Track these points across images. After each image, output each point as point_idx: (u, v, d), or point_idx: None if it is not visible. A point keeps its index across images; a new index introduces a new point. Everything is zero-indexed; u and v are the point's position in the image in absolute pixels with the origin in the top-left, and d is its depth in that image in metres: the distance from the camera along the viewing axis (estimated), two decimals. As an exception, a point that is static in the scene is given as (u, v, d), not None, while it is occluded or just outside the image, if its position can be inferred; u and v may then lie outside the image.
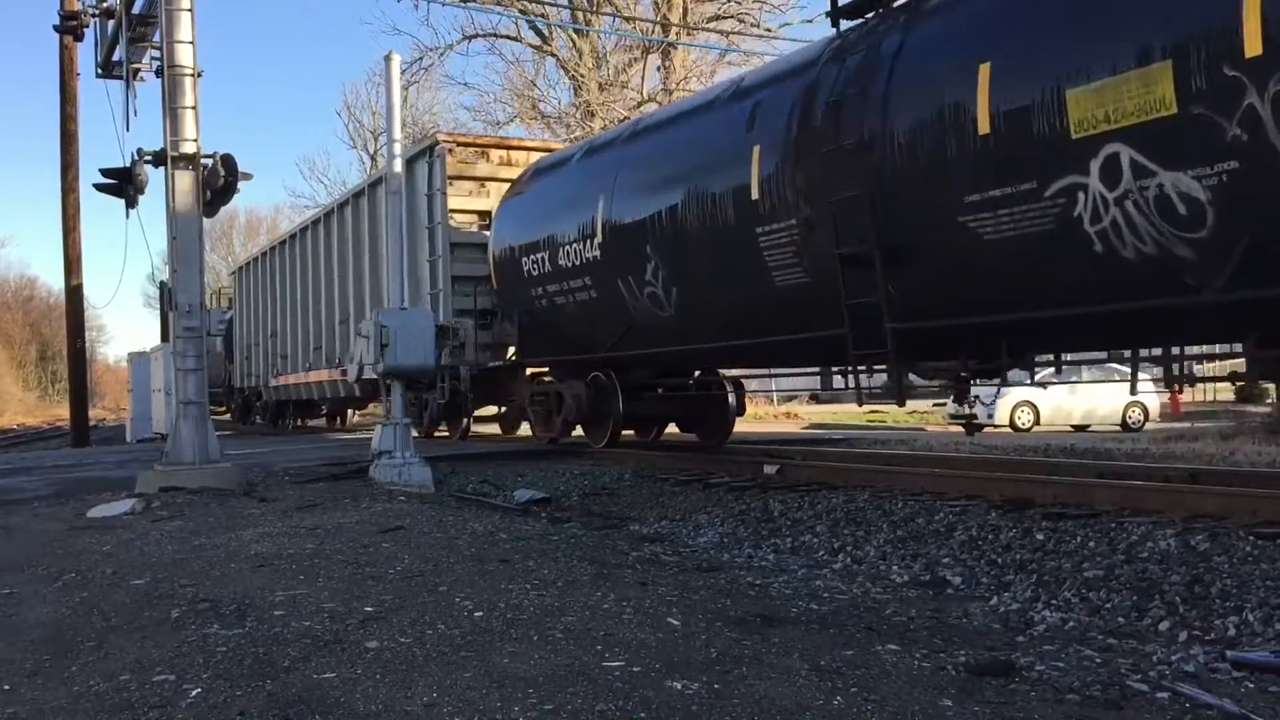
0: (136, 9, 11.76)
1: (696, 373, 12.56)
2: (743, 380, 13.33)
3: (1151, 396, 22.71)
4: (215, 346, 28.19)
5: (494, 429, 17.46)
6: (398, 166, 11.06)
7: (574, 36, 29.68)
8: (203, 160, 10.22)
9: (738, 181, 8.55)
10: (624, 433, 12.87)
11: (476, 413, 16.18)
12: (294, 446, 16.16)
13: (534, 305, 12.17)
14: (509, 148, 15.04)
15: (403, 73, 25.84)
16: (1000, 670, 3.58)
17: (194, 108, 10.22)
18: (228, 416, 32.05)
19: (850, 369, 8.56)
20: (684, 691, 3.33)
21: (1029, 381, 10.12)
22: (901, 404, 7.94)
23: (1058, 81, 6.07)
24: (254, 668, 3.71)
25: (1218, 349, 7.50)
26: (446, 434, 16.37)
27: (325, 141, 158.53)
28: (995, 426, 21.32)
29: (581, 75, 28.85)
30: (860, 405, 8.15)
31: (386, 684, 3.47)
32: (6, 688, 3.67)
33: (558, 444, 12.80)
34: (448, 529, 6.99)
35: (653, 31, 28.87)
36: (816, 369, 9.79)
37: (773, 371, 10.87)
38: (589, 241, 10.77)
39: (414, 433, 16.72)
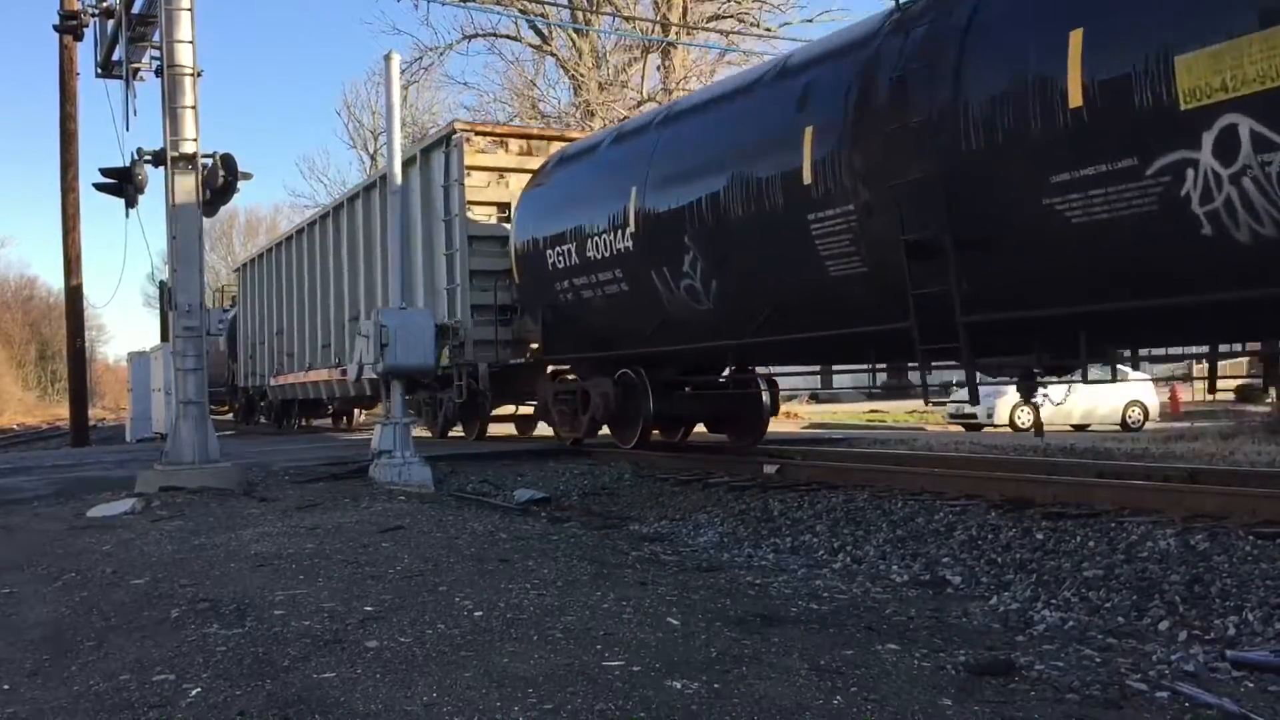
0: (136, 8, 11.76)
1: (727, 370, 11.92)
2: (776, 379, 12.62)
3: (1151, 396, 22.72)
4: (218, 345, 27.86)
5: (508, 429, 17.03)
6: (397, 166, 11.06)
7: (574, 36, 29.67)
8: (202, 160, 10.23)
9: (787, 166, 8.08)
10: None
11: (493, 412, 15.66)
12: (294, 446, 16.15)
13: (558, 300, 11.73)
14: (529, 137, 14.62)
15: (402, 72, 25.80)
16: (1000, 670, 3.58)
17: (194, 107, 10.22)
18: (230, 416, 31.91)
19: (912, 365, 8.10)
20: (684, 691, 3.33)
21: (1080, 379, 9.95)
22: (975, 402, 7.42)
23: (1165, 47, 5.52)
24: (254, 667, 3.71)
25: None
26: (462, 434, 15.88)
27: (325, 141, 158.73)
28: (995, 426, 21.33)
29: (581, 75, 28.84)
30: (926, 404, 7.70)
31: (386, 684, 3.47)
32: (6, 687, 3.67)
33: (583, 444, 12.42)
34: (447, 529, 6.99)
35: (652, 31, 28.86)
36: (866, 366, 9.10)
37: (819, 369, 10.42)
38: (620, 232, 10.33)
39: (427, 434, 16.61)
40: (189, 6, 10.26)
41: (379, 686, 3.44)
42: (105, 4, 12.81)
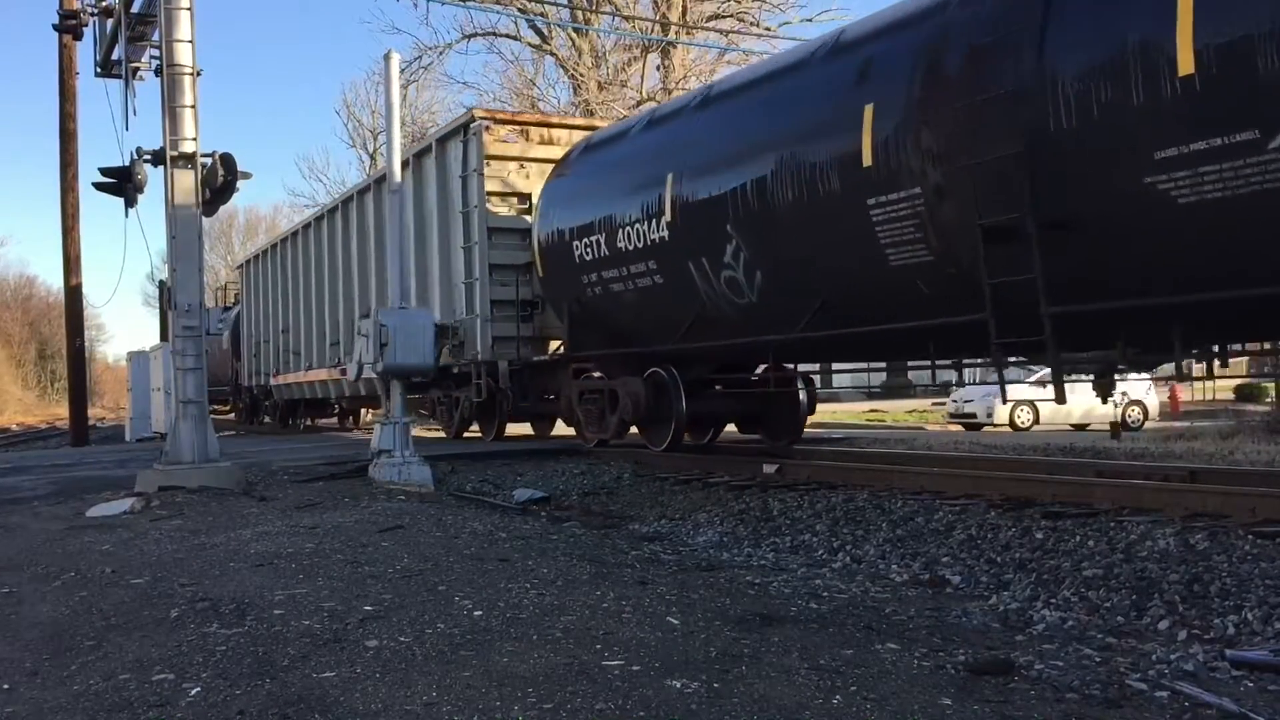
0: (136, 8, 11.75)
1: (760, 367, 11.35)
2: (812, 375, 12.04)
3: (1151, 395, 22.72)
4: (221, 343, 27.58)
5: (524, 429, 16.51)
6: (397, 165, 11.04)
7: (573, 35, 29.68)
8: (202, 159, 10.22)
9: (844, 147, 7.59)
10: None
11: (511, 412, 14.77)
12: (293, 446, 16.15)
13: (585, 294, 11.28)
14: (550, 125, 14.12)
15: (402, 72, 25.68)
16: (999, 669, 3.58)
17: (193, 107, 10.21)
18: (231, 416, 31.69)
19: (984, 361, 7.67)
20: (683, 690, 3.33)
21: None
22: (1062, 401, 6.97)
23: None
24: (253, 667, 3.71)
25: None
26: (479, 434, 15.29)
27: (325, 140, 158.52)
28: (995, 426, 21.33)
29: (581, 74, 28.85)
30: (1005, 401, 7.16)
31: (386, 683, 3.47)
32: (6, 687, 3.67)
33: (609, 445, 11.93)
34: (447, 528, 6.99)
35: (652, 30, 28.86)
36: (926, 362, 8.55)
37: (871, 366, 9.83)
38: (654, 222, 9.83)
39: (440, 434, 16.33)
40: (188, 6, 10.25)
41: (379, 686, 3.44)
42: (104, 3, 12.80)
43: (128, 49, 11.92)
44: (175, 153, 10.10)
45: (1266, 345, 7.31)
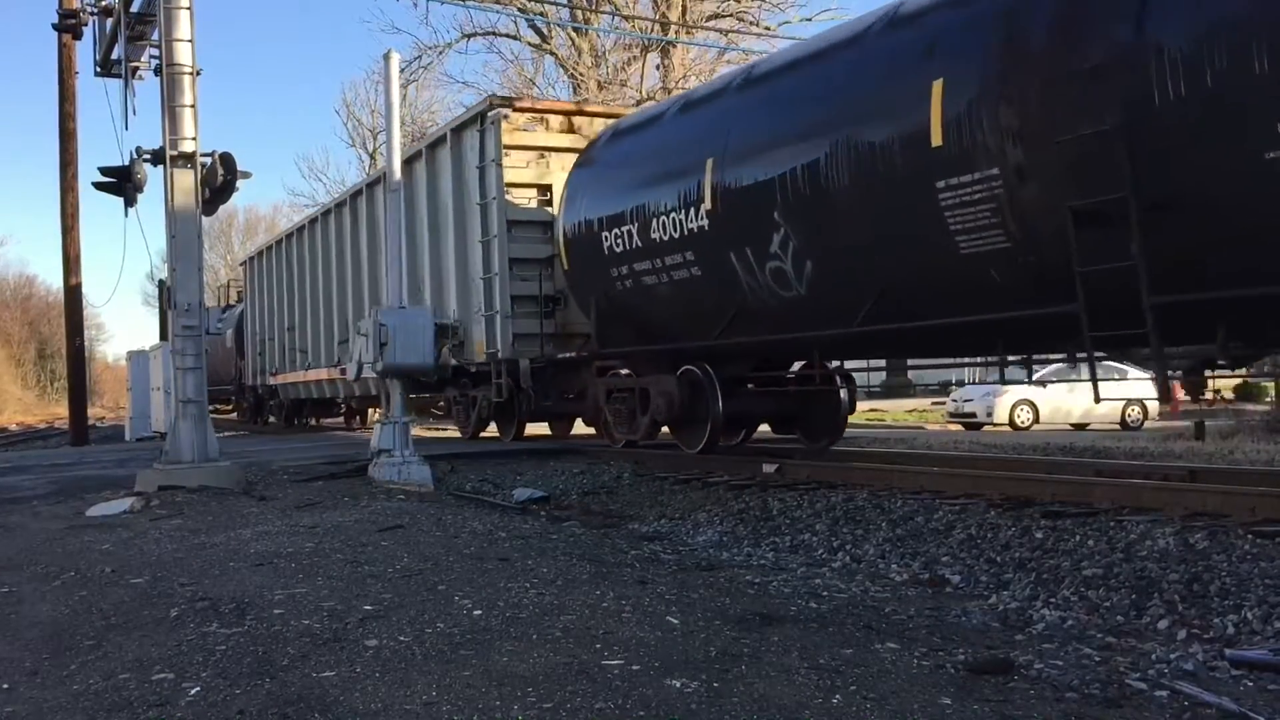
0: (135, 7, 11.75)
1: (796, 365, 10.77)
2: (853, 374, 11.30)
3: (1150, 394, 22.70)
4: (224, 342, 27.23)
5: (542, 429, 16.03)
6: (396, 165, 11.04)
7: (573, 35, 29.68)
8: (201, 159, 10.22)
9: (909, 126, 7.08)
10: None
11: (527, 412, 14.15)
12: (293, 445, 16.15)
13: (615, 288, 10.75)
14: (571, 113, 13.58)
15: (402, 71, 25.59)
16: (999, 668, 3.58)
17: (193, 106, 10.21)
18: (234, 415, 31.47)
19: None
20: (683, 690, 3.33)
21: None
22: (1166, 400, 6.57)
23: None
24: (253, 666, 3.71)
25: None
26: (496, 435, 14.72)
27: (324, 140, 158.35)
28: (995, 425, 21.34)
29: (580, 74, 28.85)
30: (1097, 401, 6.70)
31: (386, 682, 3.47)
32: (5, 686, 3.67)
33: (638, 446, 11.45)
34: (447, 528, 6.99)
35: (652, 30, 28.86)
36: (994, 358, 8.00)
37: (938, 362, 9.30)
38: (693, 210, 9.30)
39: (455, 433, 16.06)
40: (188, 5, 10.25)
41: (378, 685, 3.44)
42: (104, 3, 12.80)
43: (127, 48, 11.92)
44: (175, 152, 10.10)
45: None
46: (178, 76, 10.16)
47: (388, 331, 10.15)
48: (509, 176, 12.67)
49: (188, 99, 10.18)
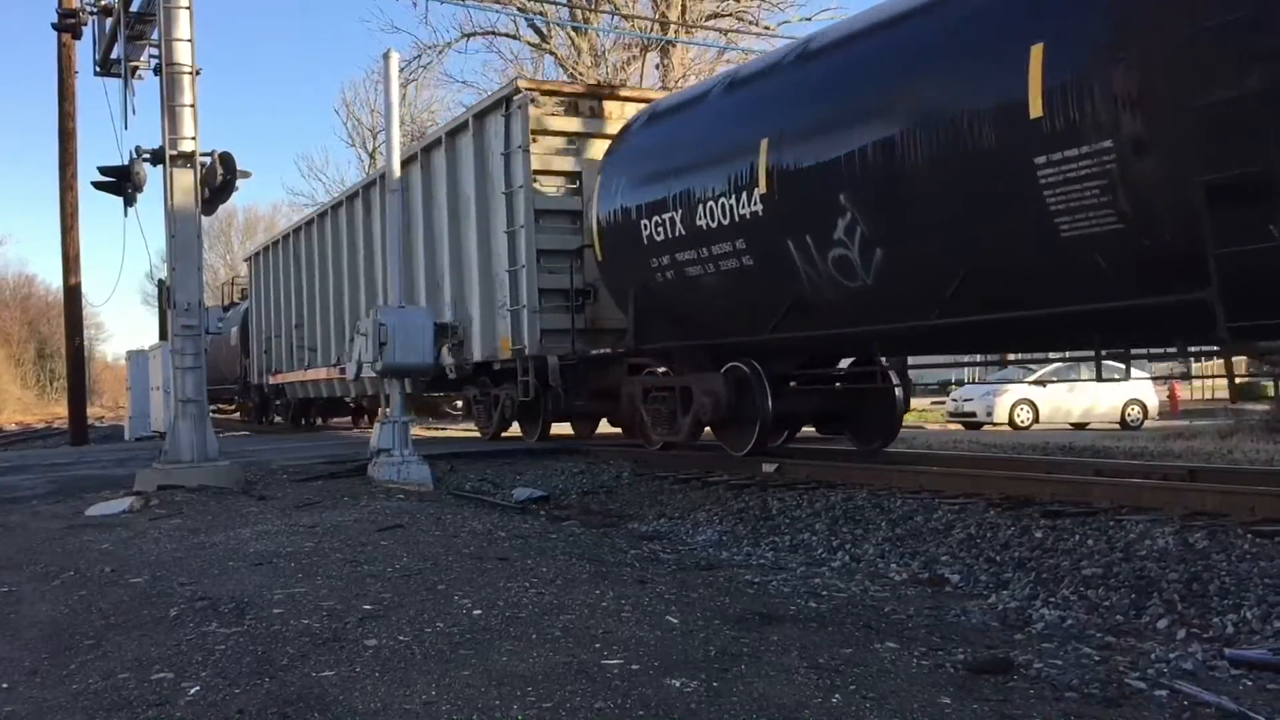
0: (135, 6, 11.75)
1: (844, 362, 10.26)
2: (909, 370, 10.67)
3: (1150, 394, 22.74)
4: (229, 340, 26.82)
5: (564, 429, 15.18)
6: (396, 165, 11.05)
7: (572, 34, 29.67)
8: (201, 158, 10.23)
9: (1003, 96, 6.47)
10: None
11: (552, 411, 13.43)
12: (294, 445, 16.15)
13: (654, 279, 10.14)
14: (603, 96, 12.95)
15: (401, 71, 25.52)
16: (998, 668, 3.58)
17: (192, 106, 10.22)
18: (237, 415, 31.23)
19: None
20: (682, 689, 3.33)
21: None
22: None
23: None
24: (252, 666, 3.71)
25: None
26: (519, 435, 14.07)
27: (324, 140, 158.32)
28: (994, 424, 21.35)
29: (580, 73, 28.82)
30: (1234, 402, 6.10)
31: (385, 682, 3.47)
32: (5, 686, 3.67)
33: (679, 448, 10.87)
34: (446, 527, 6.99)
35: (651, 29, 28.86)
36: (1091, 353, 7.32)
37: (1031, 356, 8.56)
38: (745, 195, 8.68)
39: (475, 433, 15.66)
40: (187, 5, 10.25)
41: (378, 685, 3.44)
42: (104, 2, 12.79)
43: (127, 48, 11.92)
44: (174, 152, 10.11)
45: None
46: (177, 76, 10.16)
47: (387, 331, 10.16)
48: (535, 163, 12.09)
49: (187, 98, 10.18)
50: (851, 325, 8.30)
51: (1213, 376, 30.22)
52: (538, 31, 30.81)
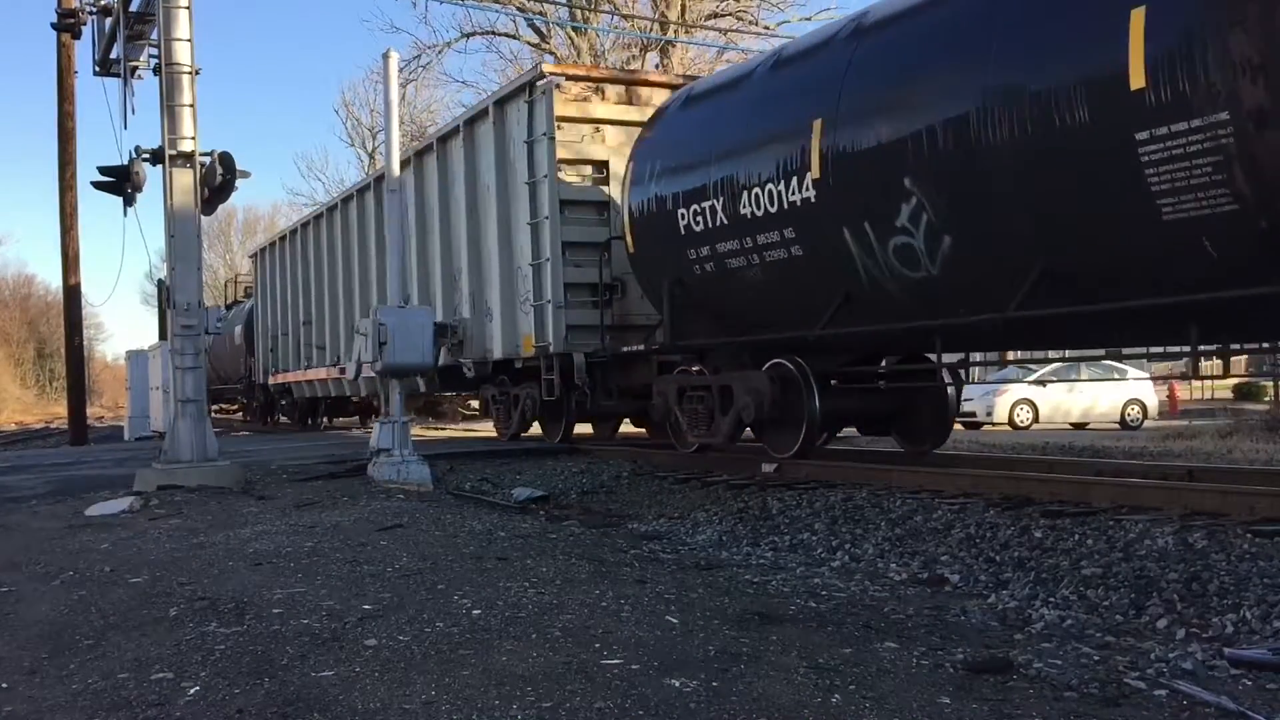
0: (134, 6, 11.76)
1: (885, 359, 9.84)
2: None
3: (1150, 394, 22.77)
4: (233, 338, 26.62)
5: (582, 429, 14.51)
6: (395, 165, 11.04)
7: (572, 34, 29.67)
8: (201, 158, 10.24)
9: (1097, 67, 5.94)
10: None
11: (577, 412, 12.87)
12: (294, 444, 16.14)
13: (691, 272, 9.66)
14: (632, 82, 12.42)
15: (401, 70, 25.45)
16: (998, 668, 3.59)
17: (192, 105, 10.22)
18: (239, 415, 31.03)
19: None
20: (682, 689, 3.33)
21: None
22: None
23: None
24: (252, 666, 3.71)
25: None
26: (540, 435, 13.52)
27: (323, 139, 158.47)
28: (994, 424, 21.35)
29: (580, 73, 28.81)
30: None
31: (385, 682, 3.47)
32: (4, 686, 3.67)
33: (714, 450, 10.45)
34: (446, 527, 6.99)
35: (651, 29, 28.86)
36: (1187, 348, 6.66)
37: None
38: (795, 180, 8.16)
39: (491, 433, 15.37)
40: (187, 4, 10.26)
41: (378, 685, 3.44)
42: (103, 2, 12.81)
43: (126, 48, 11.93)
44: (174, 151, 10.11)
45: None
46: (177, 76, 10.17)
47: (386, 331, 10.16)
48: (561, 152, 11.55)
49: (187, 98, 10.19)
50: (912, 319, 7.79)
51: (1213, 377, 30.30)
52: (537, 31, 30.82)
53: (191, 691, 3.45)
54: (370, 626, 4.19)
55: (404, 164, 15.23)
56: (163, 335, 20.77)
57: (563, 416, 12.77)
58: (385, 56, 10.79)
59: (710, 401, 10.09)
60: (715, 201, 9.09)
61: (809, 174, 8.04)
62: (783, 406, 9.30)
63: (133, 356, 27.00)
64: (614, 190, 11.51)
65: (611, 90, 12.13)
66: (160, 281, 13.15)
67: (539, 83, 11.64)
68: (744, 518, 7.68)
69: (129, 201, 10.85)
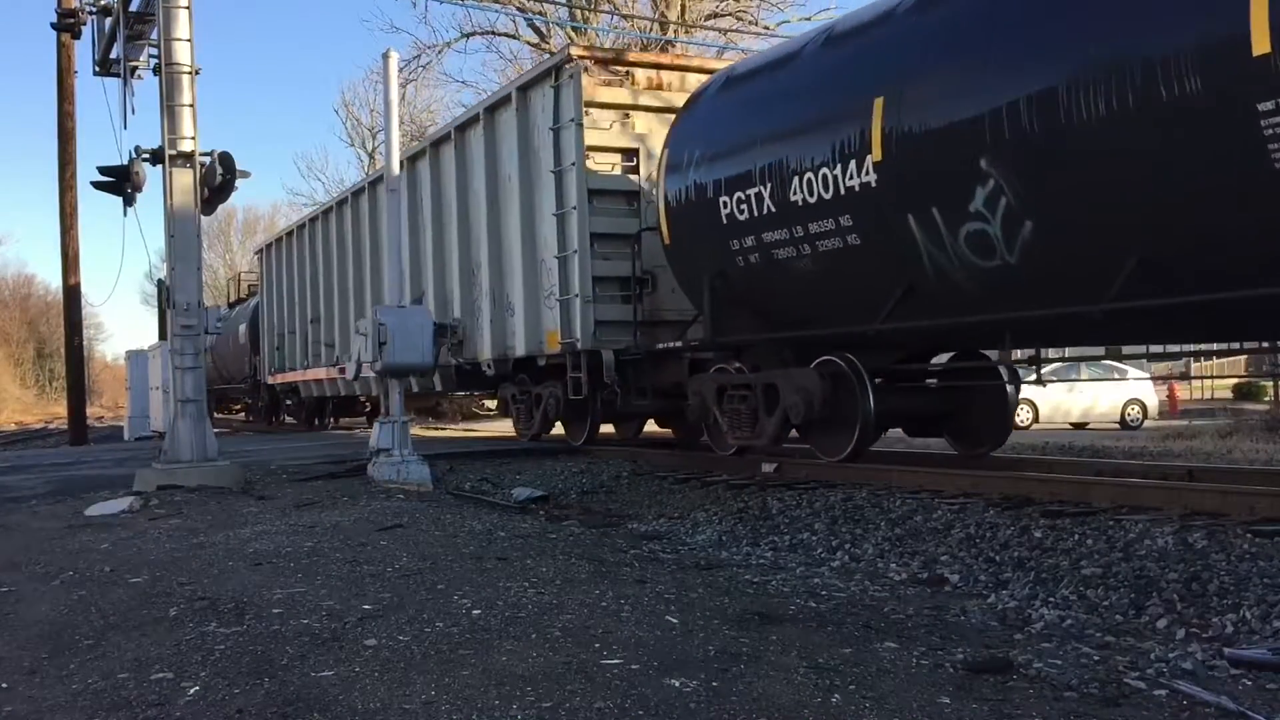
0: (134, 6, 11.76)
1: (940, 356, 9.36)
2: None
3: (1150, 394, 22.77)
4: (238, 336, 26.37)
5: (603, 429, 13.60)
6: (395, 165, 11.05)
7: (572, 34, 29.67)
8: (200, 158, 10.24)
9: (1210, 34, 5.42)
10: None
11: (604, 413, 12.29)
12: (294, 444, 16.15)
13: (734, 264, 9.09)
14: (663, 66, 11.86)
15: (401, 70, 25.45)
16: (998, 668, 3.59)
17: (192, 105, 10.23)
18: (242, 415, 30.93)
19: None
20: (682, 689, 3.33)
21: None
22: None
23: None
24: (252, 666, 3.71)
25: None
26: (563, 436, 13.05)
27: (323, 139, 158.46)
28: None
29: (580, 73, 28.82)
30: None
31: (385, 682, 3.47)
32: (4, 686, 3.67)
33: (757, 452, 9.86)
34: (446, 527, 6.99)
35: (651, 29, 28.86)
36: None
37: (1242, 346, 7.23)
38: (853, 164, 7.62)
39: (510, 433, 14.87)
40: (187, 4, 10.26)
41: (377, 685, 3.44)
42: (103, 2, 12.80)
43: (126, 48, 11.93)
44: (174, 151, 10.12)
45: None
46: (176, 76, 10.17)
47: (386, 331, 10.16)
48: (588, 138, 11.04)
49: (186, 98, 10.19)
50: (983, 312, 7.22)
51: (1213, 377, 30.29)
52: (537, 31, 30.83)
53: (191, 691, 3.45)
54: (370, 626, 4.19)
55: (419, 155, 15.01)
56: (163, 335, 20.73)
57: (587, 416, 12.26)
58: (385, 56, 10.80)
59: (753, 401, 9.51)
60: (762, 188, 8.53)
61: (869, 157, 7.51)
62: (833, 406, 8.74)
63: (133, 356, 27.01)
64: (651, 176, 11.08)
65: (641, 74, 11.62)
66: (160, 281, 13.12)
67: (565, 66, 11.20)
68: (744, 518, 7.68)
69: (129, 201, 10.85)
